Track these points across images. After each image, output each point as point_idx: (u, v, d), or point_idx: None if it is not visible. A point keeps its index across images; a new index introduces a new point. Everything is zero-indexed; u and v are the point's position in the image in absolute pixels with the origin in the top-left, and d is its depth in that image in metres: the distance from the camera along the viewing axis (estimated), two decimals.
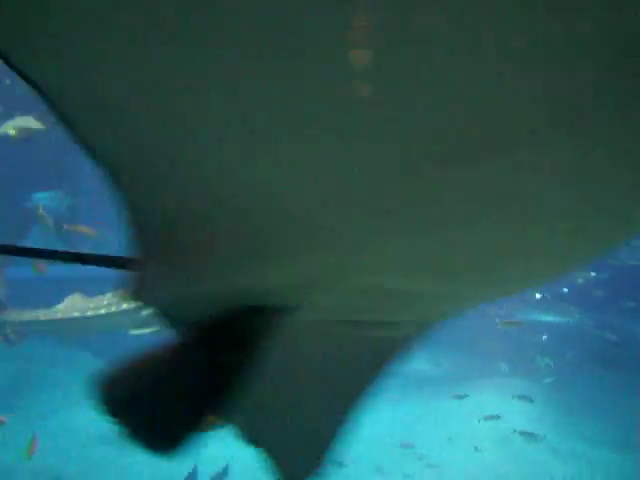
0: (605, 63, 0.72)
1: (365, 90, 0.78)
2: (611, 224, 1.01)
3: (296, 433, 1.69)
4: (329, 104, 0.79)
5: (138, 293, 1.28)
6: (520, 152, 0.83)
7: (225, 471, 6.81)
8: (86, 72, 0.82)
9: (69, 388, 9.95)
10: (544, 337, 10.68)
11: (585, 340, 10.51)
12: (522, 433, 8.18)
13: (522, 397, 8.93)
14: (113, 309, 6.48)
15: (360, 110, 0.79)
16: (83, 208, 13.01)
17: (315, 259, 1.08)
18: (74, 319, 6.70)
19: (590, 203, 0.93)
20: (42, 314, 6.95)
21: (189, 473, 6.84)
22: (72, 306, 6.80)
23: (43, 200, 11.35)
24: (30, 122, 9.24)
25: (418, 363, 10.21)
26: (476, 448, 8.22)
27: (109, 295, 6.69)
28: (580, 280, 9.49)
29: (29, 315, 7.12)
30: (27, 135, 9.09)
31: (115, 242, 13.70)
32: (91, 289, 7.39)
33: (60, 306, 6.93)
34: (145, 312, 5.20)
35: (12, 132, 8.93)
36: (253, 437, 1.63)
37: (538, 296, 10.40)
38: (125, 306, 6.43)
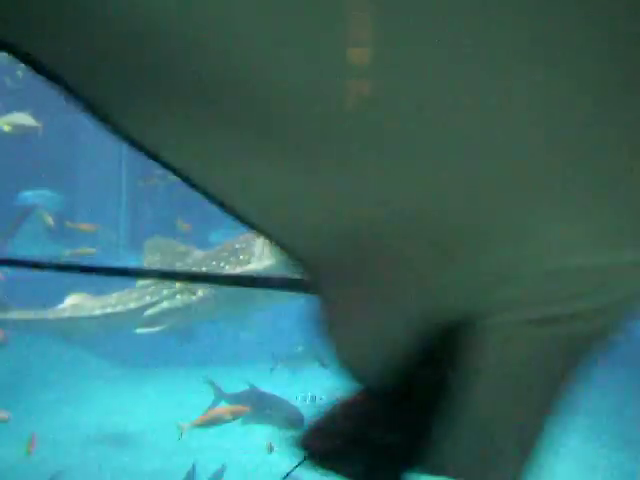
0: None
1: None
2: None
3: (485, 457, 1.46)
4: None
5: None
6: None
7: (222, 470, 6.73)
8: None
9: (68, 386, 9.96)
10: None
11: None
12: None
13: None
14: (119, 308, 6.38)
15: None
16: (79, 206, 12.95)
17: (507, 248, 1.00)
18: (81, 318, 6.58)
19: None
20: (49, 313, 6.78)
21: (188, 471, 6.78)
22: (78, 305, 6.68)
23: (31, 199, 11.34)
24: (25, 119, 9.17)
25: None
26: None
27: (115, 294, 6.60)
28: None
29: (34, 315, 6.91)
30: (22, 132, 9.00)
31: (114, 239, 13.67)
32: (90, 286, 7.30)
33: (65, 305, 6.78)
34: (150, 311, 5.06)
35: (6, 128, 8.83)
36: (439, 465, 1.40)
37: None
38: (131, 305, 6.32)
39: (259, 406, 6.44)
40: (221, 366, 9.60)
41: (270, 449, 6.52)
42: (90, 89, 0.82)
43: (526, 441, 1.48)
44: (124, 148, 15.28)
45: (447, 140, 0.81)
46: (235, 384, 6.98)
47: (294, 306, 8.18)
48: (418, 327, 1.10)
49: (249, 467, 7.39)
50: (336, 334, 1.12)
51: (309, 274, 1.02)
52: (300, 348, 8.51)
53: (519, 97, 0.76)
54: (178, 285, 5.94)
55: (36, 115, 9.49)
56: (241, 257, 5.79)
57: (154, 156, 0.85)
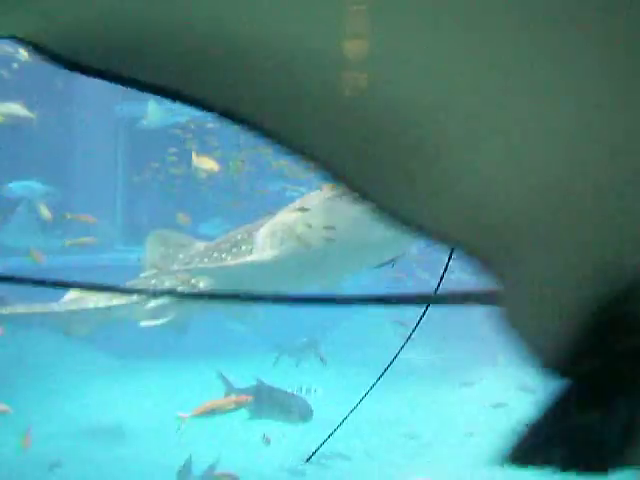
0: None
1: None
2: None
3: None
4: None
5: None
6: None
7: (216, 462, 6.75)
8: None
9: (63, 378, 9.95)
10: None
11: None
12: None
13: (524, 388, 8.92)
14: (124, 300, 6.34)
15: None
16: (73, 199, 12.89)
17: None
18: (86, 310, 6.52)
19: None
20: (54, 306, 6.70)
21: (183, 464, 6.81)
22: (83, 297, 6.61)
23: (18, 190, 11.29)
24: (18, 109, 9.10)
25: (420, 351, 10.22)
26: (472, 434, 8.19)
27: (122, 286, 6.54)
28: None
29: (38, 308, 6.81)
30: (14, 122, 8.94)
31: (110, 231, 13.61)
32: (90, 279, 7.24)
33: (69, 297, 6.70)
34: (153, 303, 5.02)
35: None
36: None
37: None
38: (135, 297, 6.29)
39: (268, 400, 6.45)
40: (219, 357, 9.60)
41: (267, 441, 6.53)
42: None
43: None
44: (119, 141, 15.26)
45: None
46: (234, 376, 6.99)
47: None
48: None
49: (244, 460, 7.43)
50: (522, 327, 1.09)
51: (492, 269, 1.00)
52: (304, 339, 8.56)
53: None
54: (180, 277, 5.92)
55: (31, 107, 9.42)
56: (243, 248, 5.76)
57: None
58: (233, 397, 6.18)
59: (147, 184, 13.05)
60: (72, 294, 6.62)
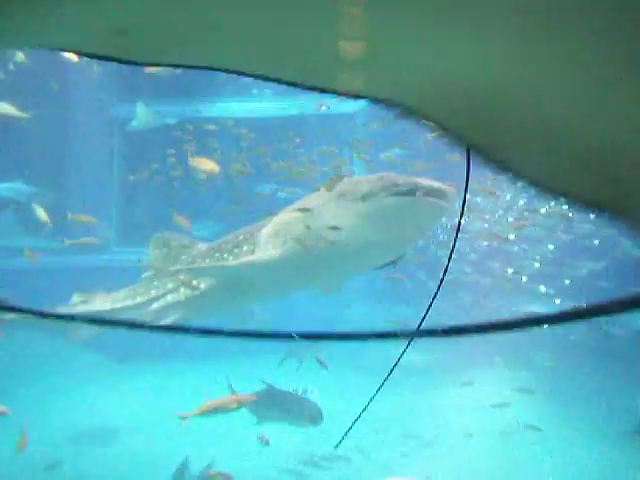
0: None
1: None
2: None
3: None
4: None
5: None
6: None
7: (212, 464, 6.76)
8: None
9: (60, 380, 9.92)
10: (545, 329, 10.65)
11: (589, 332, 10.51)
12: (525, 426, 8.19)
13: (522, 389, 8.96)
14: (128, 302, 6.33)
15: None
16: (69, 200, 12.85)
17: None
18: (92, 314, 6.49)
19: None
20: (61, 309, 6.66)
21: (179, 466, 6.83)
22: (88, 301, 6.59)
23: (3, 191, 11.27)
24: (8, 109, 9.07)
25: (418, 353, 10.24)
26: (471, 435, 8.23)
27: (123, 289, 6.53)
28: (584, 271, 9.44)
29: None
30: (4, 121, 8.93)
31: (106, 232, 13.57)
32: (89, 280, 7.24)
33: (75, 301, 6.68)
34: (156, 305, 4.99)
35: None
36: None
37: (543, 289, 10.35)
38: (138, 299, 6.27)
39: (277, 404, 6.43)
40: (219, 359, 9.62)
41: (266, 442, 6.52)
42: None
43: None
44: (115, 143, 15.21)
45: None
46: (234, 377, 6.98)
47: (295, 298, 8.23)
48: None
49: (240, 461, 7.44)
50: None
51: None
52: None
53: None
54: (182, 278, 5.91)
55: (26, 107, 9.41)
56: (244, 248, 5.75)
57: None
58: (236, 396, 6.14)
59: (143, 185, 13.05)
60: (77, 297, 6.60)
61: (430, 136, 7.98)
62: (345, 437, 3.32)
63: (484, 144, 1.01)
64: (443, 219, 5.86)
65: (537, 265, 10.34)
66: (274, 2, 0.82)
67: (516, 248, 10.56)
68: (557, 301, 10.21)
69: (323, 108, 12.30)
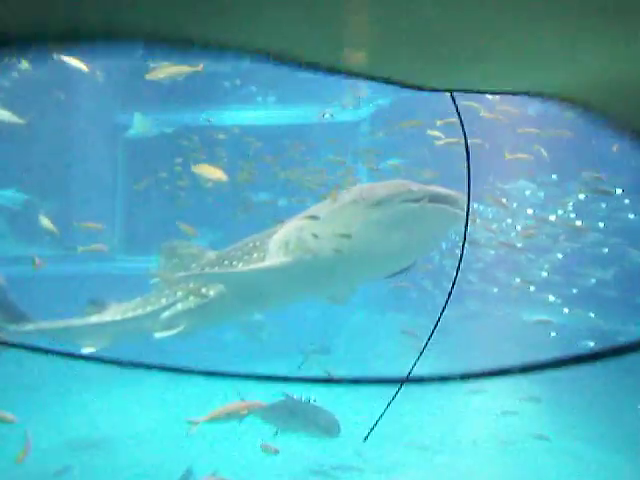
0: None
1: None
2: None
3: None
4: None
5: None
6: None
7: (215, 472, 6.70)
8: None
9: (60, 389, 9.88)
10: (553, 336, 10.64)
11: (597, 343, 10.47)
12: (533, 435, 8.14)
13: (529, 398, 8.92)
14: (139, 311, 6.28)
15: None
16: (73, 208, 12.84)
17: None
18: (106, 324, 6.45)
19: None
20: (76, 321, 6.61)
21: (183, 474, 6.81)
22: (101, 312, 6.55)
23: None
24: (6, 115, 9.06)
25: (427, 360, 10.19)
26: (475, 442, 8.19)
27: (135, 299, 6.49)
28: (592, 280, 9.40)
29: (61, 324, 6.68)
30: (1, 128, 8.93)
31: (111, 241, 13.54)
32: (92, 289, 7.20)
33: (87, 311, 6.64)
34: (167, 314, 4.96)
35: None
36: None
37: (551, 298, 10.31)
38: (149, 308, 6.23)
39: (295, 415, 6.35)
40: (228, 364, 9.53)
41: (275, 452, 6.46)
42: None
43: None
44: (118, 151, 15.20)
45: None
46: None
47: (304, 307, 8.20)
48: None
49: (245, 469, 7.39)
50: None
51: None
52: (313, 346, 8.55)
53: None
54: (192, 286, 5.86)
55: (28, 115, 9.40)
56: (254, 255, 5.71)
57: None
58: (246, 402, 6.05)
59: (147, 193, 13.02)
60: (90, 308, 6.56)
61: (434, 145, 7.98)
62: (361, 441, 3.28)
63: None
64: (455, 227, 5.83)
65: (545, 274, 10.30)
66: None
67: (523, 257, 10.53)
68: (565, 310, 10.18)
69: (327, 116, 12.25)
